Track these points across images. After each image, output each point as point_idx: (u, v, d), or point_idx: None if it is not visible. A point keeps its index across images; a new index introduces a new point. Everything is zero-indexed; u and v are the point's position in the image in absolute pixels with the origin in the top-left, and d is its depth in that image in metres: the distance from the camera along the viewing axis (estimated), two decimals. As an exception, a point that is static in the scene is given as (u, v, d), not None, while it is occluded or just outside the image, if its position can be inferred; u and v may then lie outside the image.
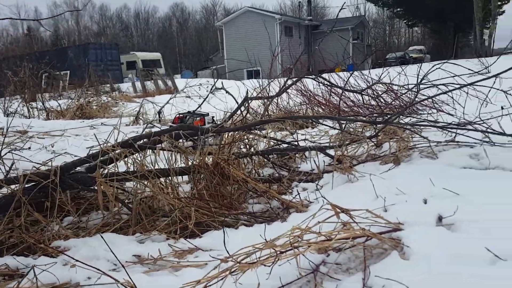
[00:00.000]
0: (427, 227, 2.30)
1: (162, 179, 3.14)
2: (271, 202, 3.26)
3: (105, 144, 2.96)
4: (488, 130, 3.56)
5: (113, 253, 2.10)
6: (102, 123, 7.25)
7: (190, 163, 3.21)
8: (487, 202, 2.49)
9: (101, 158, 2.83)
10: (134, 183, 2.89)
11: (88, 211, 3.14)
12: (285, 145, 4.41)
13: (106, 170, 3.05)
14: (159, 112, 6.52)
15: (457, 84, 4.31)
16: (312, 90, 7.77)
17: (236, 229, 2.82)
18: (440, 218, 2.40)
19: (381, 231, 2.29)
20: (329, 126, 4.48)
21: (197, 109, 5.17)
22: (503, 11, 38.87)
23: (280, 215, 3.00)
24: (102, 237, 2.23)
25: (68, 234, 2.71)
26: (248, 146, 4.04)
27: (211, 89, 5.95)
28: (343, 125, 4.24)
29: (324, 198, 2.41)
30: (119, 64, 35.53)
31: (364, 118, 4.26)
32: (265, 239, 2.18)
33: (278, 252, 2.00)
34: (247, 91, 4.15)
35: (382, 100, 7.01)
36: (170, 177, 3.00)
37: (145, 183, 2.94)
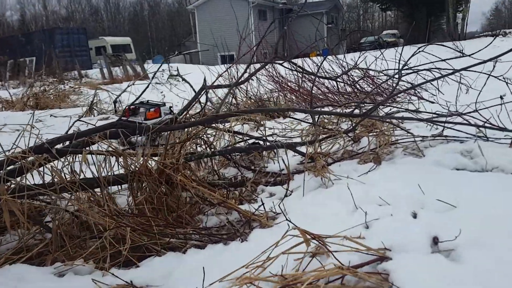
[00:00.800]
0: (421, 255, 1.80)
1: (97, 191, 2.56)
2: (230, 213, 2.72)
3: (13, 150, 2.34)
4: (486, 124, 3.08)
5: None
6: (51, 115, 6.55)
7: (131, 169, 2.63)
8: (492, 218, 2.01)
9: (8, 168, 2.23)
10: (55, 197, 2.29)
11: (2, 231, 2.53)
12: (252, 141, 3.86)
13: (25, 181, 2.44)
14: (115, 102, 5.85)
15: (444, 69, 3.82)
16: (284, 76, 7.24)
17: (184, 253, 2.28)
18: (435, 241, 1.90)
19: (363, 262, 1.78)
20: (298, 120, 3.93)
21: (137, 99, 4.53)
22: (477, -7, 38.90)
23: (240, 231, 2.46)
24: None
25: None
26: (207, 144, 3.47)
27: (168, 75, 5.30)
28: (316, 118, 3.71)
29: (290, 221, 1.87)
30: (88, 49, 34.11)
31: (339, 111, 3.75)
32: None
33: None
34: (204, 79, 3.58)
35: (359, 86, 6.53)
36: (101, 189, 2.42)
37: (70, 197, 2.35)
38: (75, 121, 3.81)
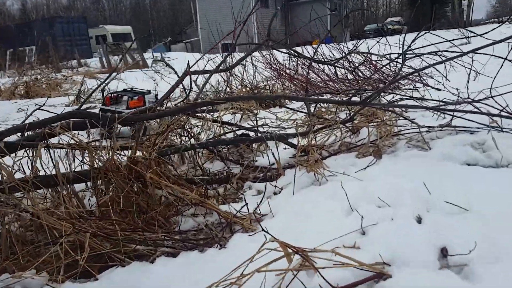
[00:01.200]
0: (426, 271, 1.50)
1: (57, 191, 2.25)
2: (211, 214, 2.41)
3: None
4: (502, 113, 2.74)
5: None
6: (36, 104, 6.23)
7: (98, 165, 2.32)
8: (510, 224, 1.69)
9: None
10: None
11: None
12: (242, 131, 3.55)
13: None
14: (103, 90, 5.52)
15: (451, 52, 3.47)
16: (282, 62, 6.88)
17: (151, 263, 1.97)
18: (444, 253, 1.59)
19: (357, 281, 1.47)
20: (292, 110, 3.59)
21: (104, 86, 4.19)
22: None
23: (218, 236, 2.15)
24: None
25: None
26: (190, 135, 3.16)
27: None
28: (312, 106, 3.38)
29: (267, 232, 1.56)
30: (88, 38, 33.72)
31: (337, 99, 3.41)
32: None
33: None
34: (188, 64, 3.24)
35: (360, 73, 6.17)
36: (60, 187, 2.11)
37: (21, 197, 2.05)
38: (34, 110, 3.49)
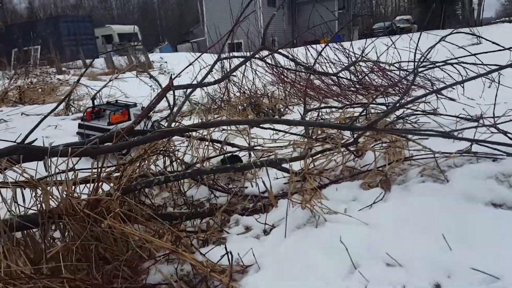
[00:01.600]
0: None
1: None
2: (183, 264, 2.04)
3: None
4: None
5: None
6: (22, 113, 5.90)
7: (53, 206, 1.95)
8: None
9: None
10: None
11: None
12: (233, 152, 3.17)
13: None
14: (93, 99, 5.15)
15: (469, 63, 3.07)
16: (283, 65, 6.47)
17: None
18: None
19: None
20: (283, 131, 3.19)
21: (96, 94, 3.82)
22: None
23: (191, 296, 1.78)
24: None
25: None
26: (171, 159, 2.79)
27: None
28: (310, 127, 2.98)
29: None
30: (94, 38, 33.55)
31: (340, 112, 3.02)
32: None
33: None
34: (170, 77, 2.85)
35: (368, 79, 5.76)
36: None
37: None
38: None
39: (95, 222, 1.87)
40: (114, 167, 2.29)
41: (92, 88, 6.12)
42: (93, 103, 5.20)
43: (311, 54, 6.61)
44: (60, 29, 30.41)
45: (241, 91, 5.83)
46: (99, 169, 1.97)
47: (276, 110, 5.12)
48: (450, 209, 1.95)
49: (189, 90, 2.85)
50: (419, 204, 2.05)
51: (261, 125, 2.96)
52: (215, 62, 2.84)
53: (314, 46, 6.85)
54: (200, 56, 3.12)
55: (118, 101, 4.16)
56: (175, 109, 2.91)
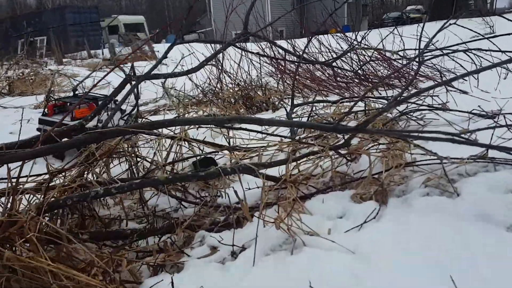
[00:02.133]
0: None
1: None
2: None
3: None
4: None
5: None
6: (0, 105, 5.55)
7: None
8: None
9: None
10: None
11: None
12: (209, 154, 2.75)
13: None
14: (74, 90, 4.75)
15: (483, 51, 2.62)
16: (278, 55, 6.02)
17: None
18: None
19: None
20: (258, 132, 2.74)
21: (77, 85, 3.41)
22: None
23: None
24: None
25: None
26: (134, 161, 2.39)
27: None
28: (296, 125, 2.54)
29: None
30: (100, 28, 33.31)
31: (323, 124, 2.59)
32: None
33: None
34: (132, 66, 2.43)
35: (372, 70, 5.29)
36: None
37: None
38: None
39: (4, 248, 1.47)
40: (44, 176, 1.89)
41: (75, 79, 5.73)
42: (74, 93, 4.79)
43: (313, 44, 6.15)
44: (66, 19, 30.23)
45: (235, 82, 5.40)
46: (17, 179, 1.56)
47: (270, 104, 4.68)
48: (461, 233, 1.52)
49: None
50: (421, 225, 1.62)
51: (225, 126, 2.52)
52: (172, 45, 2.40)
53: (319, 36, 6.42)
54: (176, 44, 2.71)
55: (90, 94, 3.75)
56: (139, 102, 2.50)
